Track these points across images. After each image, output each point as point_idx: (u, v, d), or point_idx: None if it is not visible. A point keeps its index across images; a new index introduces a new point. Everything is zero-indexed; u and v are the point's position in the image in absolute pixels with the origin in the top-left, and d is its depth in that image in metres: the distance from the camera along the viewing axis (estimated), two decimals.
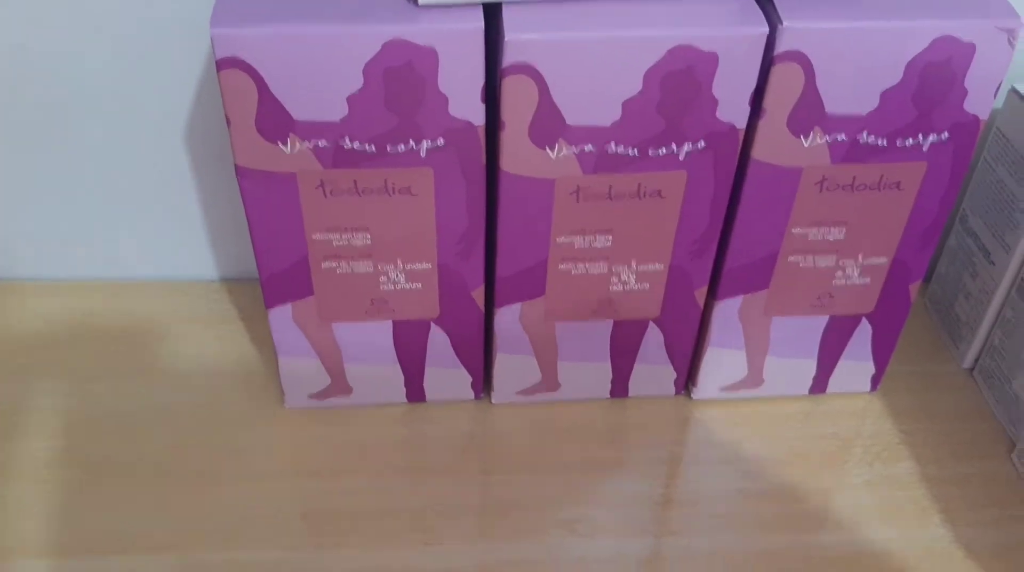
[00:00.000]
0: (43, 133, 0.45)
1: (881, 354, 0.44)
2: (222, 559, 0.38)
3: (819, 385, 0.45)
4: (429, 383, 0.43)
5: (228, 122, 0.33)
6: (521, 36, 0.32)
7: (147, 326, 0.48)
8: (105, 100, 0.44)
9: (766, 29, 0.32)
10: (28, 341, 0.46)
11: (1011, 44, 0.34)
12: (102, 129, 0.45)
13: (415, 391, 0.43)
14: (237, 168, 0.35)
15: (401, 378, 0.43)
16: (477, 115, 0.34)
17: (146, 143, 0.46)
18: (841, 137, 0.35)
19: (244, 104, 0.33)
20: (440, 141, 0.34)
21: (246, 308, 0.49)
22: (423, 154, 0.35)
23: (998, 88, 0.35)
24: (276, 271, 0.38)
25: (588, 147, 0.35)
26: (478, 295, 0.40)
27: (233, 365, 0.46)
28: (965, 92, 0.35)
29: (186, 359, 0.46)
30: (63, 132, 0.45)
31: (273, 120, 0.33)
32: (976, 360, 0.47)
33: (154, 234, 0.50)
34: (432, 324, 0.41)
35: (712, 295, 0.41)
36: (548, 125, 0.34)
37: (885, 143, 0.36)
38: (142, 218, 0.49)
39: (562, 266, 0.39)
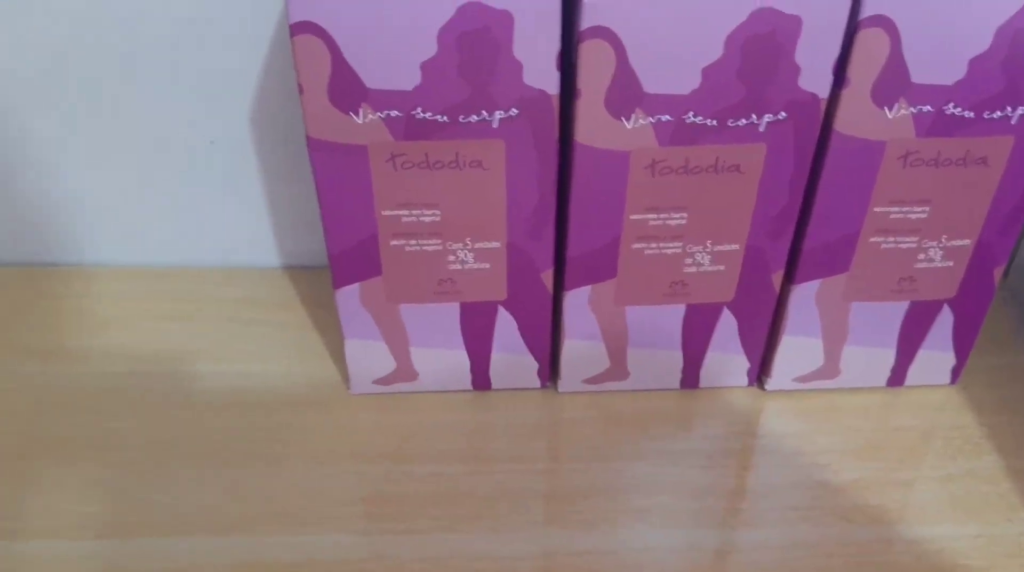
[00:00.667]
0: (104, 113, 0.46)
1: (963, 344, 0.42)
2: (288, 542, 0.37)
3: (897, 377, 0.43)
4: (495, 369, 0.42)
5: (301, 90, 0.33)
6: None
7: (212, 312, 0.47)
8: (165, 75, 0.44)
9: None
10: (96, 323, 0.46)
11: None
12: (163, 112, 0.45)
13: (480, 378, 0.42)
14: (309, 140, 0.34)
15: (467, 364, 0.42)
16: (552, 84, 0.33)
17: (210, 127, 0.46)
18: (927, 108, 0.34)
19: (317, 71, 0.32)
20: (513, 111, 0.34)
21: (308, 295, 0.48)
22: (495, 125, 0.34)
23: None
24: (345, 249, 0.37)
25: (665, 117, 0.34)
26: (547, 277, 0.39)
27: (297, 351, 0.45)
28: None
29: (251, 345, 0.45)
30: (125, 115, 0.46)
31: (346, 88, 0.33)
32: None
33: (217, 220, 0.49)
34: (500, 307, 0.40)
35: (789, 279, 0.40)
36: (625, 93, 0.33)
37: (972, 115, 0.35)
38: (204, 205, 0.49)
39: (635, 245, 0.38)
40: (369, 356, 0.41)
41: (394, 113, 0.34)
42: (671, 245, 0.38)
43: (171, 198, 0.48)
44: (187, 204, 0.49)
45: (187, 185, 0.48)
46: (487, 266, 0.38)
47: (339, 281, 0.38)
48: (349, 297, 0.39)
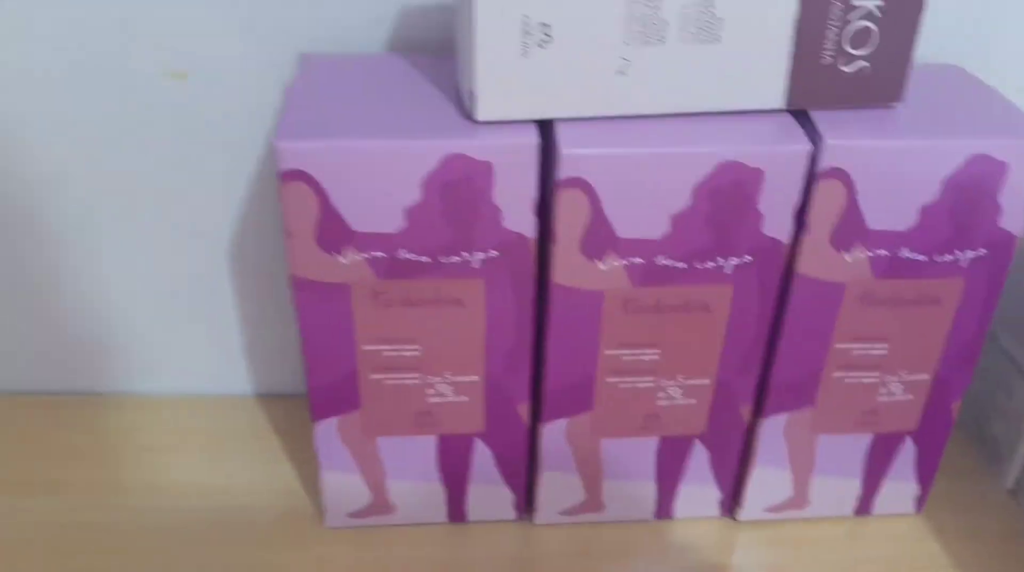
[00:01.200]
0: (81, 240, 0.47)
1: (925, 473, 0.43)
2: None
3: (864, 506, 0.44)
4: (471, 501, 0.43)
5: (288, 234, 0.34)
6: (576, 151, 0.33)
7: (185, 442, 0.47)
8: (146, 210, 0.46)
9: (809, 146, 0.34)
10: (62, 455, 0.46)
11: None
12: (142, 241, 0.47)
13: (456, 510, 0.43)
14: (293, 279, 0.35)
15: (443, 496, 0.42)
16: (529, 228, 0.35)
17: (188, 258, 0.47)
18: (882, 253, 0.36)
19: (305, 216, 0.34)
20: (493, 253, 0.35)
21: (283, 425, 0.49)
22: (476, 265, 0.36)
23: None
24: (325, 383, 0.38)
25: (637, 260, 0.36)
26: (524, 410, 0.40)
27: (272, 483, 0.45)
28: (1000, 208, 0.36)
29: (223, 476, 0.45)
30: (100, 239, 0.47)
31: (332, 232, 0.34)
32: (1017, 480, 0.46)
33: (192, 348, 0.50)
34: (477, 439, 0.40)
35: (757, 412, 0.41)
36: (599, 238, 0.35)
37: (925, 258, 0.37)
38: (181, 333, 0.49)
39: (610, 380, 0.39)
40: (345, 489, 0.41)
41: (378, 254, 0.35)
42: (644, 379, 0.39)
43: (152, 328, 0.49)
44: (164, 334, 0.49)
45: (165, 315, 0.49)
46: (465, 399, 0.39)
47: (318, 414, 0.39)
48: (327, 430, 0.39)
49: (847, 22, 0.33)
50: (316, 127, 0.33)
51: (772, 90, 0.35)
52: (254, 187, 0.45)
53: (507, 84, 0.33)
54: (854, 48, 0.34)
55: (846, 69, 0.34)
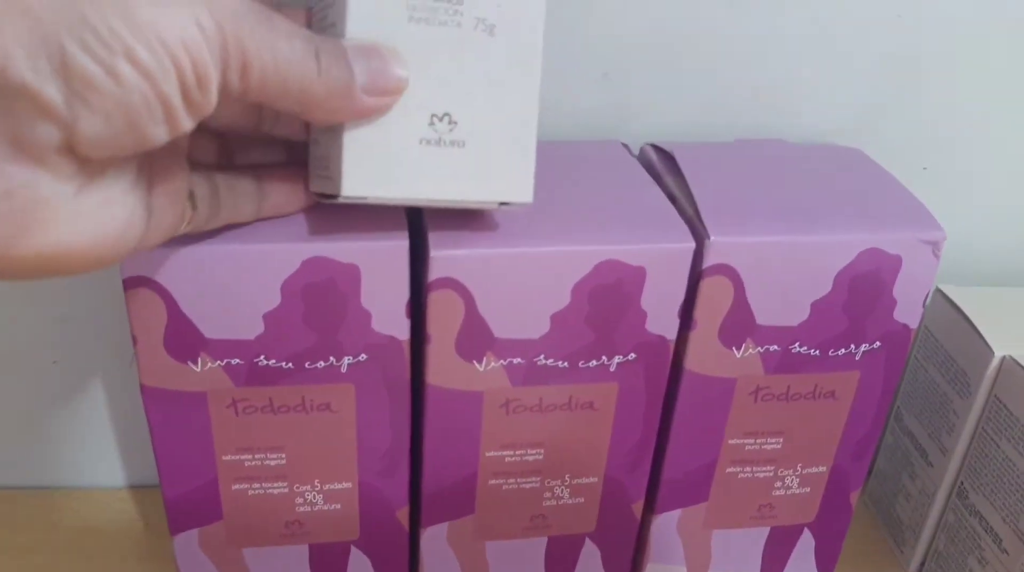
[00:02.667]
0: None
1: (825, 565, 0.42)
2: None
3: None
4: None
5: (134, 341, 0.31)
6: (446, 252, 0.31)
7: (49, 539, 0.44)
8: (12, 298, 0.42)
9: (692, 244, 0.32)
10: None
11: (935, 255, 0.34)
12: (9, 332, 0.43)
13: None
14: (143, 388, 0.32)
15: None
16: (401, 330, 0.33)
17: (51, 347, 0.44)
18: (774, 348, 0.35)
19: (152, 324, 0.31)
20: (362, 356, 0.33)
21: (154, 518, 0.45)
22: (344, 370, 0.33)
23: (927, 297, 0.35)
24: (182, 494, 0.35)
25: (517, 360, 0.33)
26: (403, 515, 0.37)
27: None
28: (894, 302, 0.35)
29: None
30: None
31: (183, 339, 0.31)
32: (921, 565, 0.45)
33: (58, 438, 0.46)
34: (352, 547, 0.38)
35: (650, 509, 0.39)
36: (475, 338, 0.33)
37: (818, 353, 0.35)
38: (44, 422, 0.46)
39: (492, 481, 0.36)
40: None
41: (235, 361, 0.32)
42: (529, 480, 0.37)
43: (14, 417, 0.45)
44: (27, 423, 0.46)
45: (29, 404, 0.45)
46: (338, 507, 0.36)
47: (176, 527, 0.36)
48: (188, 543, 0.36)
49: None
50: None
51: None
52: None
53: (372, 160, 0.29)
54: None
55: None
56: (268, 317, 0.31)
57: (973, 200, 0.45)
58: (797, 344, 0.35)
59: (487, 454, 0.36)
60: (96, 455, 0.47)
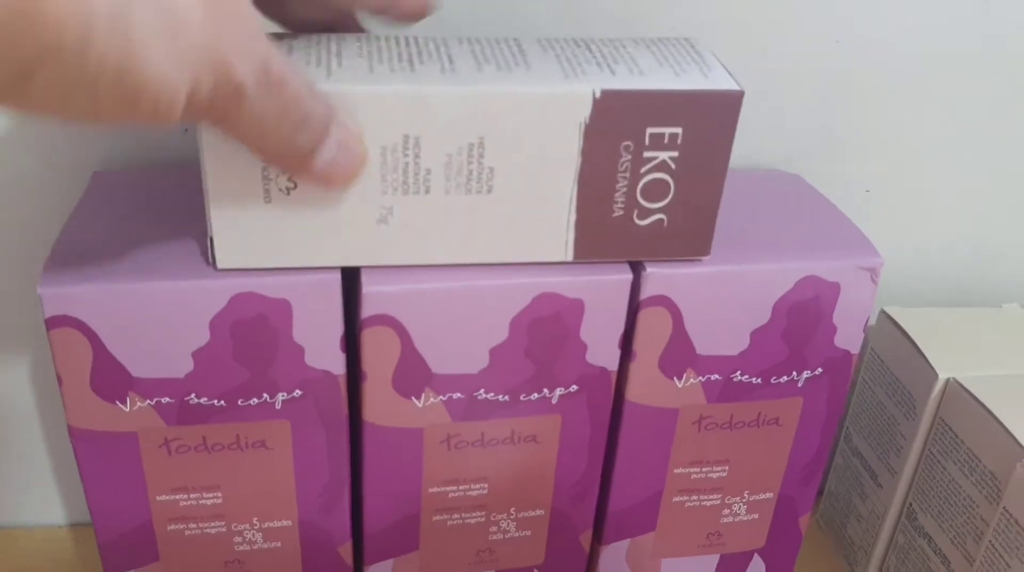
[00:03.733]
0: None
1: None
2: None
3: None
4: None
5: (60, 381, 0.31)
6: (379, 288, 0.30)
7: None
8: None
9: (630, 276, 0.32)
10: None
11: (874, 281, 0.34)
12: None
13: None
14: (70, 429, 0.32)
15: None
16: (337, 364, 0.32)
17: None
18: (715, 377, 0.35)
19: (77, 363, 0.30)
20: (297, 392, 0.32)
21: (94, 558, 0.44)
22: (278, 406, 0.32)
23: (866, 323, 0.35)
24: (116, 537, 0.34)
25: (457, 395, 0.33)
26: (346, 551, 0.37)
27: None
28: (834, 328, 0.34)
29: None
30: None
31: (110, 379, 0.31)
32: None
33: None
34: (535, 571, 0.37)
35: (598, 539, 0.38)
36: (413, 374, 0.32)
37: (760, 381, 0.35)
38: None
39: (436, 517, 0.36)
40: None
41: (165, 400, 0.31)
42: (473, 515, 0.36)
43: None
44: None
45: None
46: (278, 544, 0.36)
47: (111, 570, 0.35)
48: None
49: (639, 175, 0.30)
50: (87, 267, 0.30)
51: (556, 243, 0.31)
52: None
53: (249, 232, 0.29)
54: (648, 201, 0.31)
55: (640, 222, 0.31)
56: (197, 354, 0.31)
57: (916, 222, 0.45)
58: (738, 373, 0.35)
59: (430, 490, 0.35)
60: (32, 492, 0.46)
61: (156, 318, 0.30)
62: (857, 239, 0.35)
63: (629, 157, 0.30)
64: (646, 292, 0.32)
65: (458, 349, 0.32)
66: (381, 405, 0.33)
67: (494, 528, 0.37)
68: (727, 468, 0.37)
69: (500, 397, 0.33)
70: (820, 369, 0.35)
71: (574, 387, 0.34)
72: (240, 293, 0.30)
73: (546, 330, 0.32)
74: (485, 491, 0.36)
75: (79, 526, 0.46)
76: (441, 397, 0.33)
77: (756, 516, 0.39)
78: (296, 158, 0.26)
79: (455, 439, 0.34)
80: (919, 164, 0.44)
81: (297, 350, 0.31)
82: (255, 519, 0.35)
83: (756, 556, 0.40)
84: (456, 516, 0.36)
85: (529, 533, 0.37)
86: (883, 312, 0.43)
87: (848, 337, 0.35)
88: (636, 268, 0.32)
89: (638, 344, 0.33)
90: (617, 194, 0.30)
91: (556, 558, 0.38)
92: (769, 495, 0.38)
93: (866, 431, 0.45)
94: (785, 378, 0.35)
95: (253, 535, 0.35)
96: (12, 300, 0.40)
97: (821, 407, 0.36)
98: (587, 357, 0.33)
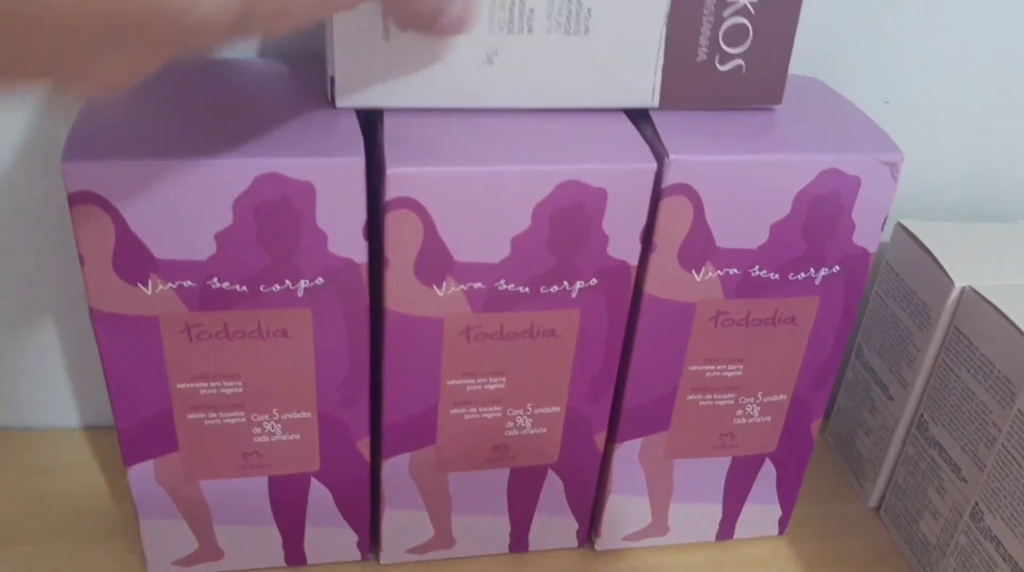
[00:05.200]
0: None
1: (787, 496, 0.42)
2: None
3: (726, 531, 0.43)
4: (309, 544, 0.39)
5: (81, 261, 0.31)
6: (403, 170, 0.30)
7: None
8: None
9: (654, 165, 0.32)
10: None
11: (894, 177, 0.34)
12: None
13: (294, 553, 0.40)
14: (92, 311, 0.32)
15: (279, 539, 0.39)
16: (359, 252, 0.32)
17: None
18: (733, 271, 0.35)
19: (100, 242, 0.30)
20: (319, 280, 0.32)
21: (108, 459, 0.45)
22: (300, 294, 0.32)
23: (885, 221, 0.35)
24: (136, 424, 0.34)
25: (477, 285, 0.33)
26: (363, 446, 0.37)
27: (92, 526, 0.41)
28: (853, 225, 0.35)
29: (37, 520, 0.41)
30: None
31: (132, 259, 0.31)
32: (882, 499, 0.46)
33: (6, 377, 0.45)
34: (312, 478, 0.37)
35: (611, 439, 0.39)
36: (435, 262, 0.32)
37: (777, 277, 0.35)
38: None
39: (454, 411, 0.36)
40: (168, 536, 0.38)
41: (187, 283, 0.32)
42: (490, 409, 0.36)
43: None
44: None
45: None
46: (297, 437, 0.36)
47: (130, 459, 0.35)
48: (143, 475, 0.36)
49: (722, 18, 0.32)
50: (109, 143, 0.30)
51: (643, 87, 0.33)
52: (63, 204, 0.41)
53: (368, 69, 0.31)
54: (729, 46, 0.32)
55: (721, 68, 0.33)
56: (220, 237, 0.31)
57: (935, 135, 0.45)
58: (757, 267, 0.35)
59: (448, 383, 0.35)
60: (48, 394, 0.46)
61: (179, 197, 0.30)
62: (878, 135, 0.34)
63: (713, 0, 0.32)
64: (668, 180, 0.32)
65: (480, 237, 0.32)
66: (403, 293, 0.33)
67: (510, 424, 0.37)
68: (742, 367, 0.37)
69: (520, 289, 0.33)
70: (838, 267, 0.35)
71: (594, 280, 0.34)
72: (264, 174, 0.30)
73: (568, 220, 0.32)
74: (502, 385, 0.36)
75: (92, 429, 0.47)
76: (462, 286, 0.33)
77: (769, 419, 0.39)
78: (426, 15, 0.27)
79: (474, 331, 0.34)
80: (939, 75, 0.44)
81: (320, 236, 0.31)
82: (274, 410, 0.35)
83: (767, 460, 0.41)
84: (473, 410, 0.36)
85: (544, 430, 0.38)
86: (899, 224, 0.43)
87: (866, 234, 0.35)
88: (659, 156, 0.32)
89: (658, 235, 0.33)
90: (701, 38, 0.32)
91: (571, 457, 0.39)
92: (782, 397, 0.39)
93: (878, 345, 0.45)
94: (803, 275, 0.35)
95: (272, 426, 0.35)
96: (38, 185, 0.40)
97: (837, 307, 0.36)
98: (608, 250, 0.33)
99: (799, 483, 0.42)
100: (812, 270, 0.35)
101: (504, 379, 0.36)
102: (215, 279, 0.32)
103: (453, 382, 0.35)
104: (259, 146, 0.30)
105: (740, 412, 0.39)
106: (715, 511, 0.42)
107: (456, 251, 0.32)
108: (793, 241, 0.34)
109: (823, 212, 0.34)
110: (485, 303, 0.34)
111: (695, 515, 0.42)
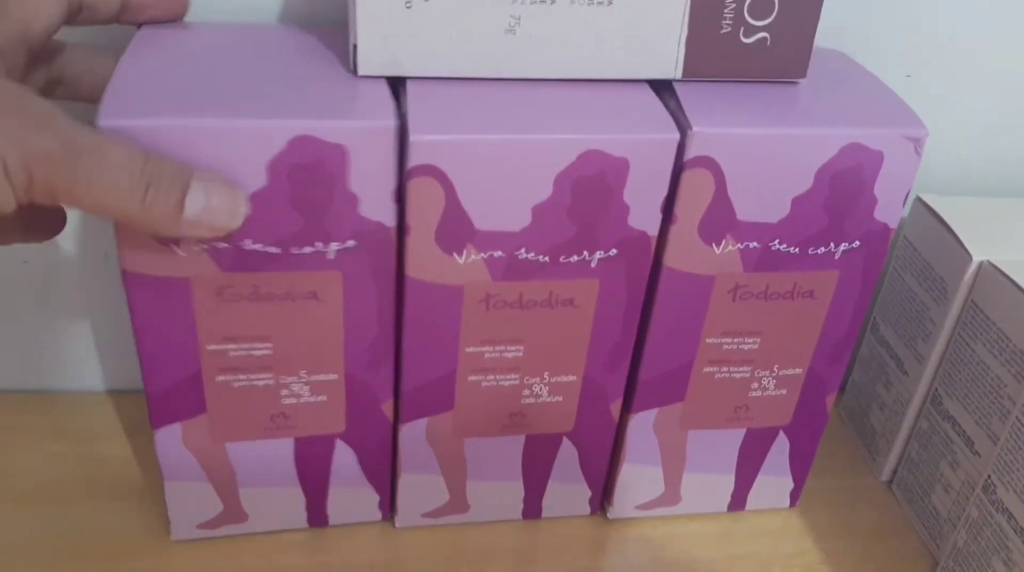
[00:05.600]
0: None
1: (799, 468, 0.43)
2: None
3: (738, 502, 0.43)
4: (332, 505, 0.40)
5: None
6: (426, 137, 0.31)
7: (19, 442, 0.44)
8: None
9: (677, 136, 0.32)
10: None
11: (918, 153, 0.34)
12: None
13: (317, 514, 0.40)
14: (124, 274, 0.32)
15: (302, 501, 0.40)
16: (389, 216, 0.33)
17: (20, 247, 0.43)
18: (753, 245, 0.35)
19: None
20: (351, 242, 0.33)
21: (131, 422, 0.45)
22: (331, 256, 0.33)
23: (907, 196, 0.35)
24: (165, 387, 0.35)
25: (497, 253, 0.34)
26: (388, 408, 0.38)
27: (116, 489, 0.42)
28: (875, 200, 0.35)
29: (61, 482, 0.42)
30: None
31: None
32: (894, 473, 0.46)
33: (33, 341, 0.46)
34: (337, 440, 0.38)
35: (627, 408, 0.39)
36: (456, 230, 0.33)
37: (797, 251, 0.35)
38: (18, 325, 0.46)
39: (471, 378, 0.37)
40: (193, 499, 0.38)
41: (220, 245, 0.32)
42: (508, 377, 0.37)
43: None
44: (0, 326, 0.45)
45: (1, 308, 0.45)
46: (324, 398, 0.37)
47: (158, 421, 0.36)
48: (169, 438, 0.36)
49: None
50: (142, 103, 0.30)
51: (667, 59, 0.33)
52: None
53: (390, 37, 0.31)
54: (755, 18, 0.32)
55: (746, 40, 0.33)
56: (255, 198, 0.31)
57: (955, 110, 0.45)
58: (777, 241, 0.35)
59: (467, 350, 0.36)
60: (73, 358, 0.47)
61: (213, 159, 0.30)
62: (902, 110, 0.35)
63: None
64: (691, 152, 0.32)
65: (502, 205, 0.32)
66: (424, 260, 0.33)
67: (527, 392, 0.38)
68: (759, 340, 0.38)
69: (540, 258, 0.34)
70: (858, 242, 0.36)
71: (614, 251, 0.34)
72: (298, 136, 0.30)
73: (590, 189, 0.33)
74: (520, 353, 0.36)
75: (117, 393, 0.48)
76: (483, 254, 0.34)
77: (784, 392, 0.40)
78: (160, 213, 0.28)
79: (494, 299, 0.35)
80: (960, 49, 0.44)
81: (351, 199, 0.32)
82: (303, 372, 0.36)
83: (781, 433, 0.41)
84: (491, 377, 0.37)
85: (561, 399, 0.38)
86: (918, 198, 0.43)
87: (888, 210, 0.35)
88: (682, 128, 0.32)
89: (679, 207, 0.34)
90: (726, 10, 0.32)
91: (586, 426, 0.39)
92: (798, 370, 0.39)
93: (894, 320, 0.45)
94: (823, 249, 0.36)
95: (300, 388, 0.36)
96: None
97: (856, 281, 0.37)
98: (629, 220, 0.34)
99: (812, 456, 0.42)
100: (832, 245, 0.36)
101: (522, 347, 0.36)
102: (248, 240, 0.32)
103: (472, 349, 0.36)
104: (292, 109, 0.31)
105: (756, 385, 0.39)
106: (728, 482, 0.42)
107: (477, 219, 0.33)
108: (814, 215, 0.35)
109: (845, 187, 0.34)
110: (505, 272, 0.34)
111: (708, 486, 0.42)
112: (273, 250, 0.32)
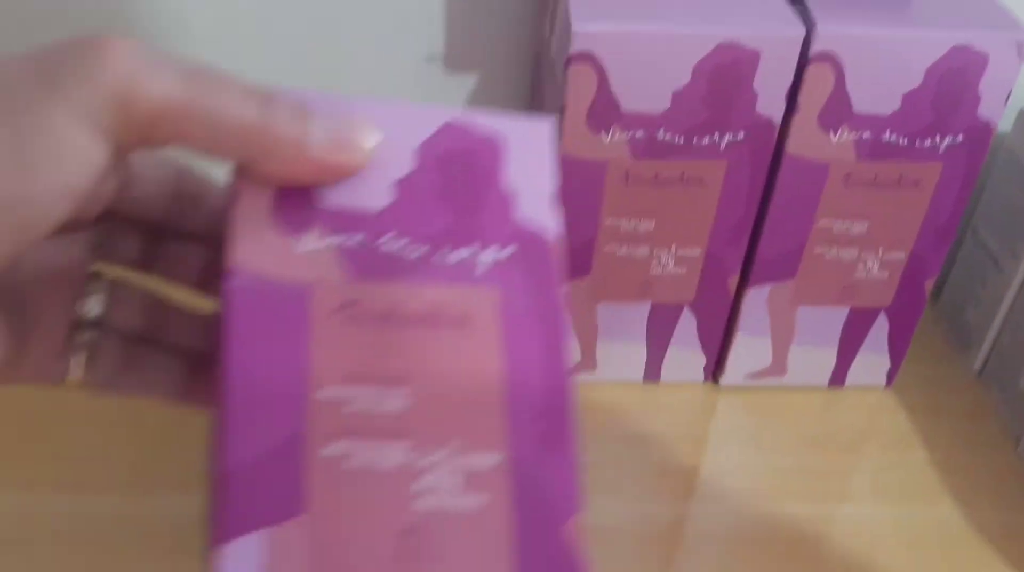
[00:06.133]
0: None
1: (897, 349, 0.47)
2: None
3: (838, 377, 0.48)
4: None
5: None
6: (586, 27, 0.36)
7: None
8: None
9: (803, 31, 0.37)
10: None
11: (1020, 56, 0.38)
12: None
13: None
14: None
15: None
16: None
17: None
18: (866, 135, 0.39)
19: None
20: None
21: None
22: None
23: (1008, 96, 0.39)
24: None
25: (639, 133, 0.39)
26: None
27: None
28: (979, 98, 0.39)
29: None
30: None
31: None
32: (985, 363, 0.50)
33: None
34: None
35: (743, 283, 0.44)
36: (605, 111, 0.38)
37: (905, 142, 0.40)
38: None
39: (607, 247, 0.42)
40: None
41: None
42: (640, 249, 0.42)
43: None
44: None
45: None
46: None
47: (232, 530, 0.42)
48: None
49: None
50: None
51: None
52: None
53: None
54: None
55: None
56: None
57: None
58: (888, 132, 0.39)
59: (606, 222, 0.41)
60: None
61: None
62: (1007, 17, 0.38)
63: None
64: (815, 48, 0.37)
65: (646, 90, 0.38)
66: (576, 140, 0.39)
67: (655, 263, 0.43)
68: (867, 225, 0.42)
69: (676, 139, 0.39)
70: (961, 137, 0.40)
71: (741, 135, 0.39)
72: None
73: (724, 77, 0.37)
74: (652, 227, 0.42)
75: None
76: (626, 134, 0.39)
77: (887, 274, 0.44)
78: (283, 130, 0.23)
79: (633, 176, 0.40)
80: None
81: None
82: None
83: (882, 313, 0.46)
84: (625, 248, 0.42)
85: (684, 271, 0.43)
86: (1021, 112, 0.47)
87: (990, 107, 0.39)
88: (809, 25, 0.37)
89: (803, 98, 0.38)
90: None
91: (705, 297, 0.44)
92: (901, 255, 0.43)
93: (994, 225, 0.49)
94: (928, 142, 0.40)
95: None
96: None
97: (959, 174, 0.41)
98: (756, 107, 0.38)
99: (909, 338, 0.47)
100: (938, 138, 0.40)
101: (654, 221, 0.42)
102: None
103: (610, 222, 0.41)
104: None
105: (861, 266, 0.44)
106: (830, 357, 0.47)
107: (624, 101, 0.38)
108: (922, 110, 0.39)
109: (951, 85, 0.38)
110: (644, 150, 0.39)
111: (812, 359, 0.47)
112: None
